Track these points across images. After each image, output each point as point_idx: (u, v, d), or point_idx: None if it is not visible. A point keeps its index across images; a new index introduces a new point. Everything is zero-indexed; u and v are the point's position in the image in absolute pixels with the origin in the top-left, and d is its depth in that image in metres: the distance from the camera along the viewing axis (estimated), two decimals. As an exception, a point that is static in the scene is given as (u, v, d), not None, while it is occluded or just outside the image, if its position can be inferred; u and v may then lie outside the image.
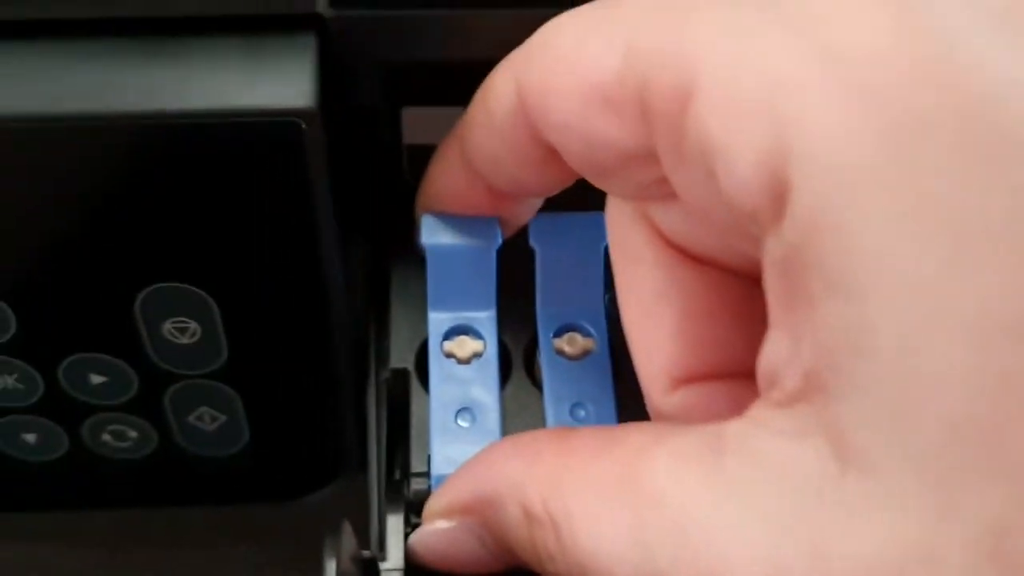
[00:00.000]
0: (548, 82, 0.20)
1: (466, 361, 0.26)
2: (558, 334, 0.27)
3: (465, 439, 0.25)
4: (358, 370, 0.28)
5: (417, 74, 0.26)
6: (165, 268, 0.24)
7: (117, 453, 0.29)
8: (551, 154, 0.21)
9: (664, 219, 0.21)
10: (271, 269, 0.25)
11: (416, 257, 0.29)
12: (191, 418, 0.28)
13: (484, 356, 0.26)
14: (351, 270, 0.27)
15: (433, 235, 0.25)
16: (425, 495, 0.25)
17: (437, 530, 0.23)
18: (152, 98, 0.22)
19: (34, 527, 0.38)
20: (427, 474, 0.25)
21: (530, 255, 0.26)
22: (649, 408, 0.22)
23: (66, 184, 0.23)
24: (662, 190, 0.20)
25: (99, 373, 0.27)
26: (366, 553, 0.23)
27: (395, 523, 0.25)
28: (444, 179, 0.25)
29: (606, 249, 0.26)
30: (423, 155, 0.29)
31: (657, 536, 0.17)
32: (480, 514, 0.22)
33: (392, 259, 0.29)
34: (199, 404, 0.28)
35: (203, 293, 0.25)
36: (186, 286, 0.25)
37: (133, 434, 0.29)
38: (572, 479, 0.19)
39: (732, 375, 0.21)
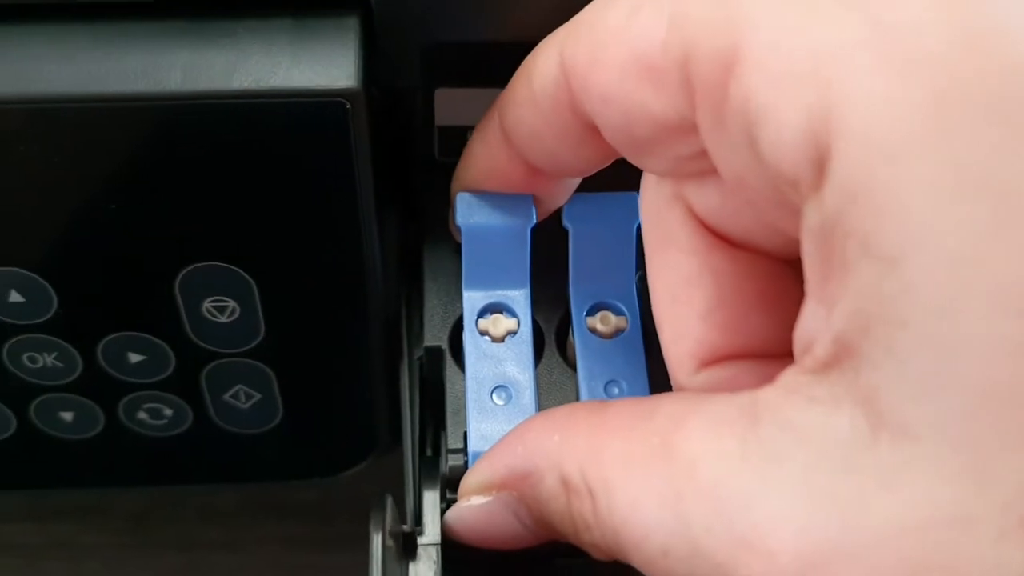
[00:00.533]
0: (592, 54, 0.20)
1: (500, 339, 0.26)
2: (591, 313, 0.27)
3: (500, 416, 0.25)
4: (391, 348, 0.29)
5: (455, 55, 0.26)
6: (206, 247, 0.25)
7: (152, 431, 0.30)
8: (591, 130, 0.21)
9: (699, 199, 0.21)
10: (311, 249, 0.25)
11: (448, 236, 0.29)
12: (226, 396, 0.29)
13: (518, 334, 0.26)
14: (385, 249, 0.27)
15: (468, 213, 0.26)
16: (461, 471, 0.25)
17: (473, 506, 0.23)
18: (198, 78, 0.22)
19: (64, 503, 0.38)
20: (463, 451, 0.25)
21: (561, 235, 0.27)
22: (674, 386, 0.22)
23: (109, 163, 0.23)
24: (699, 166, 0.20)
25: (137, 352, 0.27)
26: (404, 528, 0.24)
27: (431, 499, 0.25)
28: (483, 156, 0.25)
29: (638, 228, 0.26)
30: (454, 136, 0.29)
31: (691, 504, 0.17)
32: (516, 488, 0.22)
33: (425, 238, 0.29)
34: (235, 382, 0.28)
35: (242, 272, 0.25)
36: (226, 265, 0.25)
37: (168, 412, 0.29)
38: (609, 449, 0.20)
39: (759, 355, 0.21)
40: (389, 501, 0.22)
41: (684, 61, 0.18)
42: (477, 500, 0.23)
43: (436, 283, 0.28)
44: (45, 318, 0.26)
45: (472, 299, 0.26)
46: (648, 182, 0.23)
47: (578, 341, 0.26)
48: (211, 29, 0.22)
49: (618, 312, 0.27)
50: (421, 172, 0.29)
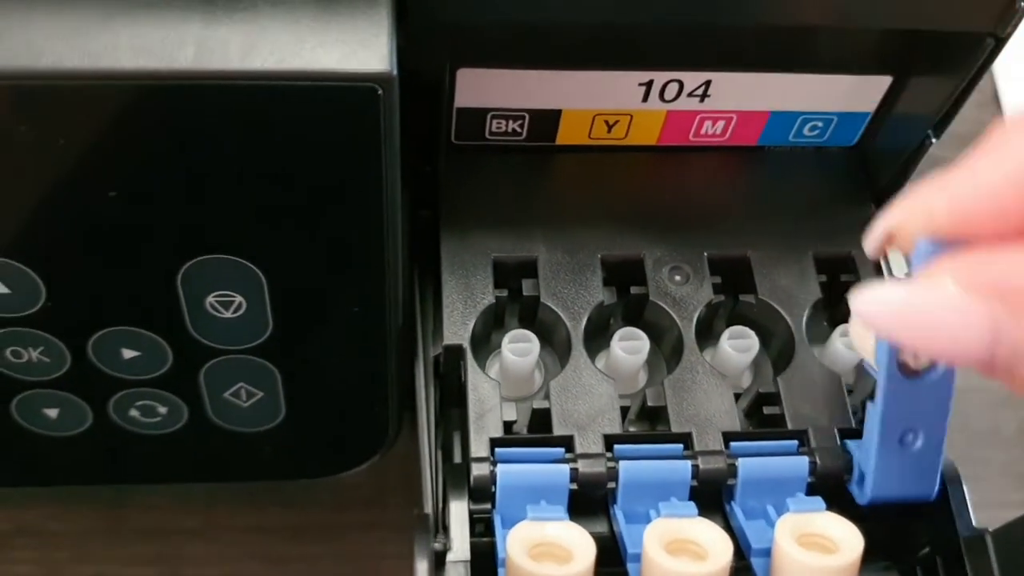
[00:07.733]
0: None
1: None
2: None
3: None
4: (406, 344, 0.27)
5: (483, 35, 0.24)
6: (213, 239, 0.23)
7: (145, 428, 0.27)
8: None
9: None
10: (329, 242, 0.23)
11: (465, 226, 0.27)
12: (226, 394, 0.27)
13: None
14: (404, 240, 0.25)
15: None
16: (487, 481, 0.24)
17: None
18: (212, 56, 0.20)
19: (33, 489, 0.36)
20: (487, 459, 0.24)
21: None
22: None
23: (109, 146, 0.21)
24: None
25: (132, 348, 0.25)
26: (436, 545, 0.22)
27: (459, 511, 0.23)
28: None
29: None
30: (471, 118, 0.27)
31: None
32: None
33: (441, 228, 0.27)
34: (236, 380, 0.26)
35: (252, 265, 0.23)
36: (234, 258, 0.23)
37: (163, 410, 0.27)
38: None
39: None
40: (430, 521, 0.20)
41: None
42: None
43: (454, 276, 0.26)
44: (31, 312, 0.24)
45: None
46: None
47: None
48: (228, 0, 0.20)
49: None
50: (443, 157, 0.27)
